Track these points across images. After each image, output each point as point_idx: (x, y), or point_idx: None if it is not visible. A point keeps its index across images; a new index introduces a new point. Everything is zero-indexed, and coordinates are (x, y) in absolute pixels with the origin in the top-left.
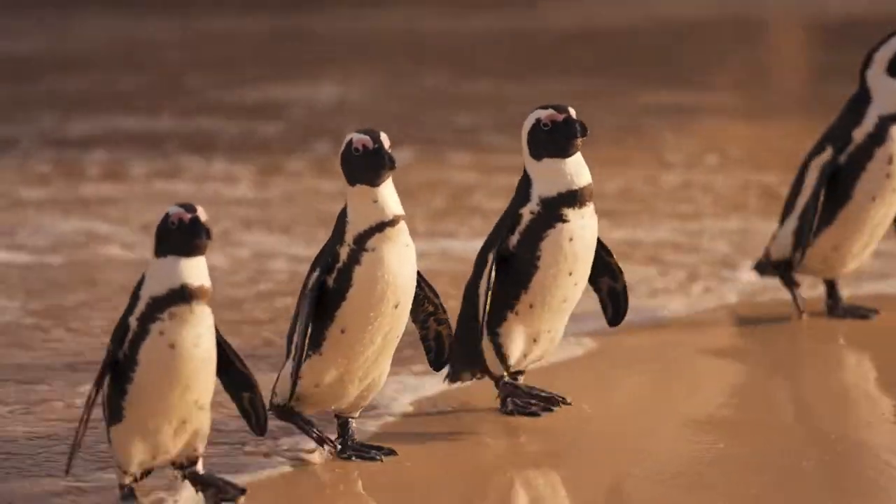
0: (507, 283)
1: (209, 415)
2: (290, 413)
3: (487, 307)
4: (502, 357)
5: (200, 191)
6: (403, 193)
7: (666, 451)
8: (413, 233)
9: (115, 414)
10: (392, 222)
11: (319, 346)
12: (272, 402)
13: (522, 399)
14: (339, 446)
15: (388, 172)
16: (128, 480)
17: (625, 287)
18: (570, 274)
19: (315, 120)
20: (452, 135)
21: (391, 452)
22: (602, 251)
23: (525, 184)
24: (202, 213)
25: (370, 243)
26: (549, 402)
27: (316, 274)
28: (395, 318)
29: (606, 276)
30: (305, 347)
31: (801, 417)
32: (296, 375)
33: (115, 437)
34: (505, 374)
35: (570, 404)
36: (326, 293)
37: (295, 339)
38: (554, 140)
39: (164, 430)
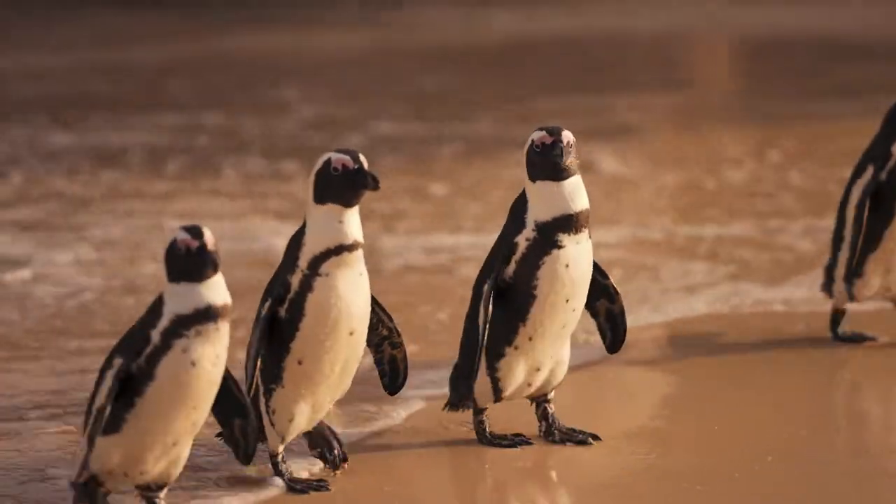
0: (505, 317)
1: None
2: (277, 468)
3: (485, 341)
4: (497, 391)
5: (246, 186)
6: (460, 192)
7: (597, 463)
8: (460, 229)
9: (112, 425)
10: (351, 247)
11: (280, 379)
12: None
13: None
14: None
15: (364, 193)
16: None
17: (622, 310)
18: (568, 301)
19: (330, 120)
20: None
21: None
22: (597, 273)
23: (520, 207)
24: (209, 239)
25: (324, 268)
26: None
27: (267, 304)
28: (352, 345)
29: (603, 299)
30: (256, 379)
31: (734, 430)
32: (250, 407)
33: (101, 446)
34: (487, 407)
35: (597, 439)
36: (279, 324)
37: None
38: (543, 163)
39: (157, 448)
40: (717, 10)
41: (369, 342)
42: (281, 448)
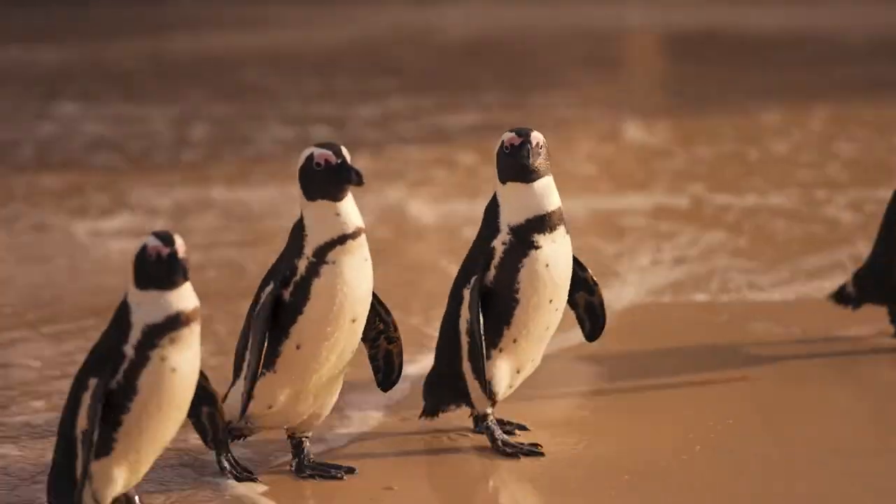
0: (489, 321)
1: None
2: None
3: (483, 346)
4: (491, 394)
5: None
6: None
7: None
8: (488, 195)
9: (103, 448)
10: (353, 235)
11: (273, 363)
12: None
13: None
14: (295, 467)
15: (349, 187)
16: None
17: (602, 301)
18: (551, 301)
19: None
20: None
21: (350, 470)
22: (576, 266)
23: (493, 211)
24: (180, 247)
25: (330, 256)
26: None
27: (270, 288)
28: (351, 333)
29: (582, 291)
30: (260, 366)
31: (663, 420)
32: (248, 396)
33: (97, 471)
34: (489, 410)
35: (542, 454)
36: (282, 308)
37: (247, 357)
38: (512, 164)
39: (150, 457)
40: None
41: (365, 336)
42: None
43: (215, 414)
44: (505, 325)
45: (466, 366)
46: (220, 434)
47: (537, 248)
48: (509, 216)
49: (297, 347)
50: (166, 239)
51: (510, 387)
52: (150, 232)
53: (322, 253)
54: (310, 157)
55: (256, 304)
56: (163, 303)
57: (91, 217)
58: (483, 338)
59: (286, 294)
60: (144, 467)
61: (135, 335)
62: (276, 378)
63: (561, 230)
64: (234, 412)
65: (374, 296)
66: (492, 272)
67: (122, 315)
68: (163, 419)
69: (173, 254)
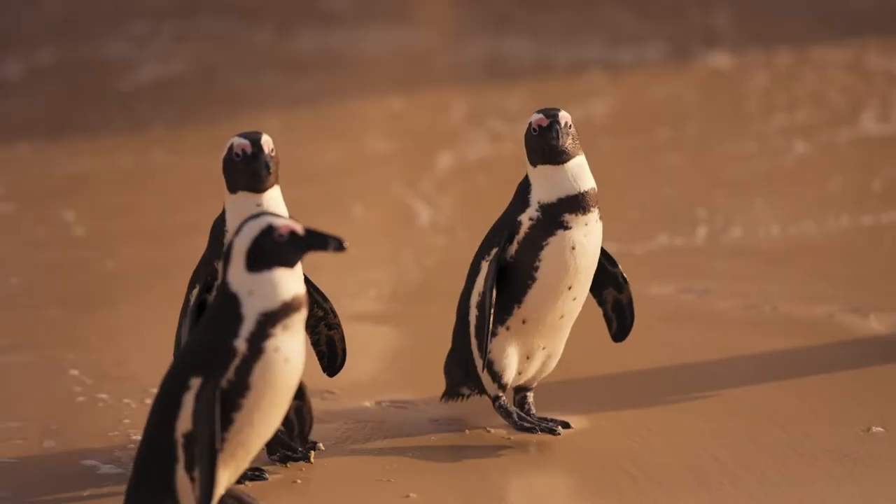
0: (501, 297)
1: None
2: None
3: (489, 321)
4: (494, 375)
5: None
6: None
7: (465, 441)
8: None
9: None
10: None
11: None
12: None
13: (521, 419)
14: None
15: (266, 179)
16: None
17: (630, 299)
18: (570, 288)
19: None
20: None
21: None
22: (605, 260)
23: (524, 188)
24: (297, 225)
25: None
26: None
27: (195, 292)
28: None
29: (611, 288)
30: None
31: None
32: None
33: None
34: (500, 393)
35: (567, 427)
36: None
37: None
38: (541, 146)
39: (252, 454)
40: None
41: (305, 324)
42: None
43: (303, 407)
44: (516, 304)
45: (473, 343)
46: (306, 430)
47: (566, 228)
48: (541, 195)
49: None
50: (284, 218)
51: (520, 373)
52: (261, 213)
53: None
54: (230, 147)
55: (186, 307)
56: (279, 286)
57: None
58: (492, 312)
59: (210, 298)
60: (246, 463)
61: (246, 327)
62: None
63: (594, 214)
64: None
65: (310, 283)
66: (514, 246)
67: (229, 306)
68: (275, 412)
69: (294, 231)
